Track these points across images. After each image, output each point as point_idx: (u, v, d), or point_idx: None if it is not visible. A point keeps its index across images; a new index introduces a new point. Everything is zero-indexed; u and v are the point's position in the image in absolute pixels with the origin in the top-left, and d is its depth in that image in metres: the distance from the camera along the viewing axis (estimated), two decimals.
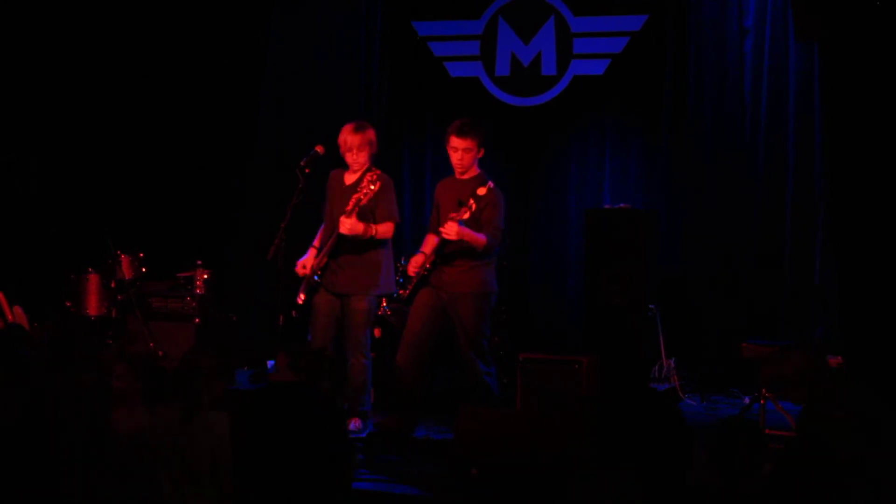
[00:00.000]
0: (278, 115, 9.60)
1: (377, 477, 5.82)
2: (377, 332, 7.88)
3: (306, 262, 6.88)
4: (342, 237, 6.64)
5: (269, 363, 8.43)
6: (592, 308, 8.12)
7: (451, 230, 6.38)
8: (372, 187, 6.58)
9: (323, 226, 7.00)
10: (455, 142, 6.63)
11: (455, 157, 6.66)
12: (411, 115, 9.53)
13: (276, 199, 7.72)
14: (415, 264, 6.69)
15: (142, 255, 8.41)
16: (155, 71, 9.61)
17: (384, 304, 7.97)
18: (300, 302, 6.79)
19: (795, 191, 8.44)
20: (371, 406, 6.97)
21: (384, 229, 6.72)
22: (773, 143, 8.53)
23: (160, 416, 4.47)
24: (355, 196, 6.59)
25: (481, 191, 6.52)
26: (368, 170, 6.80)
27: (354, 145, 6.77)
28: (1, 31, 9.38)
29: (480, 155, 6.69)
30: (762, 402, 6.92)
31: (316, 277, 6.77)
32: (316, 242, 6.97)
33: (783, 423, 6.56)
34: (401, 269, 8.08)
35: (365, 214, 6.63)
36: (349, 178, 6.86)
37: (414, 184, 9.44)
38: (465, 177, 6.69)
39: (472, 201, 6.44)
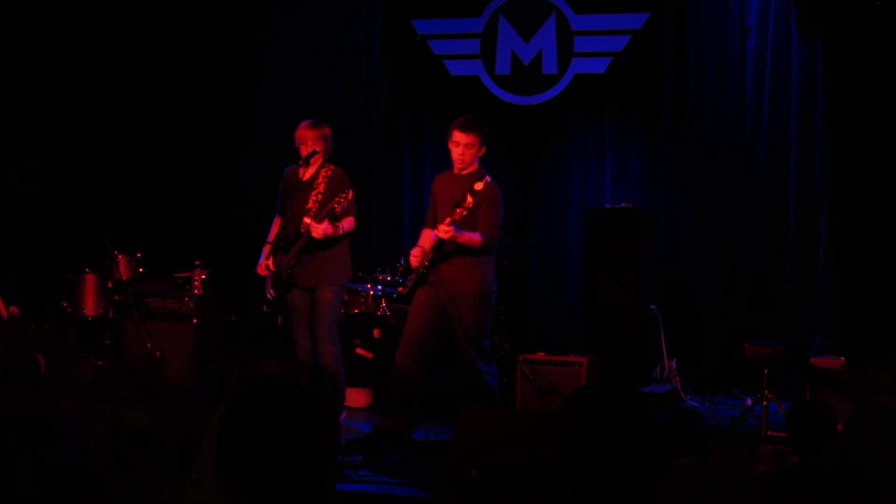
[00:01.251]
0: (278, 114, 9.57)
1: (377, 478, 5.79)
2: (377, 333, 7.86)
3: (268, 261, 6.89)
4: (311, 238, 6.70)
5: None
6: (592, 308, 8.10)
7: (445, 233, 6.38)
8: (346, 198, 6.64)
9: (276, 222, 7.01)
10: (457, 136, 6.60)
11: (456, 153, 6.62)
12: (411, 115, 9.50)
13: (276, 198, 7.70)
14: (416, 255, 6.68)
15: (139, 255, 8.38)
16: (155, 71, 9.60)
17: (383, 305, 7.96)
18: (270, 298, 6.88)
19: (796, 190, 8.42)
20: (345, 391, 7.08)
21: (348, 224, 6.83)
22: (774, 142, 8.50)
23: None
24: (328, 205, 6.64)
25: (478, 185, 6.50)
26: (323, 165, 6.88)
27: (309, 138, 6.82)
28: (1, 30, 9.35)
29: (482, 153, 6.66)
30: (765, 402, 6.90)
31: (288, 271, 6.82)
32: (272, 238, 6.97)
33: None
34: (401, 268, 8.07)
35: (330, 212, 6.69)
36: (306, 174, 6.91)
37: (414, 183, 9.41)
38: (464, 172, 6.67)
39: (469, 197, 6.42)
